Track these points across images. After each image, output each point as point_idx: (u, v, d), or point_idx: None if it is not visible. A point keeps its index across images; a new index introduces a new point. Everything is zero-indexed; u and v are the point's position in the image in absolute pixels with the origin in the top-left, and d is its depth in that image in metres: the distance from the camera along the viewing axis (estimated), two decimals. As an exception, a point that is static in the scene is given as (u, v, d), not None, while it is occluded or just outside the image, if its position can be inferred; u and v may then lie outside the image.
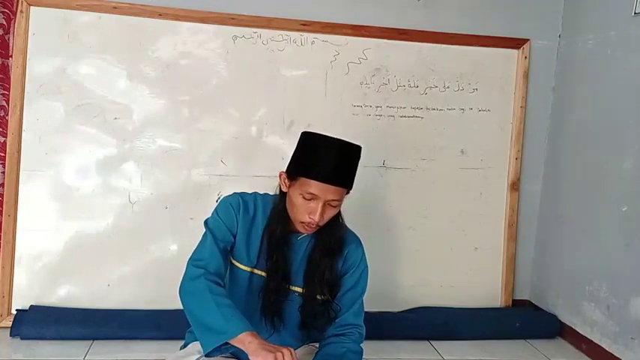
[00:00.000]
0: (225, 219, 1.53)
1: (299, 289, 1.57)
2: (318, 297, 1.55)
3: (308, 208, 1.43)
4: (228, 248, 1.55)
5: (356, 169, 1.51)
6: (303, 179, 1.43)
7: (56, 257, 2.46)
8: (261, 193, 1.62)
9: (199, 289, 1.44)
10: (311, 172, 1.42)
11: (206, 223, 1.56)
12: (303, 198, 1.43)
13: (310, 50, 2.61)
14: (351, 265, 1.59)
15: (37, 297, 2.44)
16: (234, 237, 1.54)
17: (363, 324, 1.62)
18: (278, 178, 1.53)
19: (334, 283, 1.55)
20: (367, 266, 1.63)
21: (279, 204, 1.53)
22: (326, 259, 1.53)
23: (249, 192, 1.62)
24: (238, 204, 1.54)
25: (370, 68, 2.66)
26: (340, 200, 1.46)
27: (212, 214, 1.57)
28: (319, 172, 1.41)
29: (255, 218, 1.55)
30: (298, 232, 1.55)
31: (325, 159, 1.42)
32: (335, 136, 1.48)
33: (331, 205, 1.45)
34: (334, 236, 1.54)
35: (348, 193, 1.51)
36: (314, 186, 1.41)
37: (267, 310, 1.54)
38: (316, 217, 1.42)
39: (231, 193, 1.59)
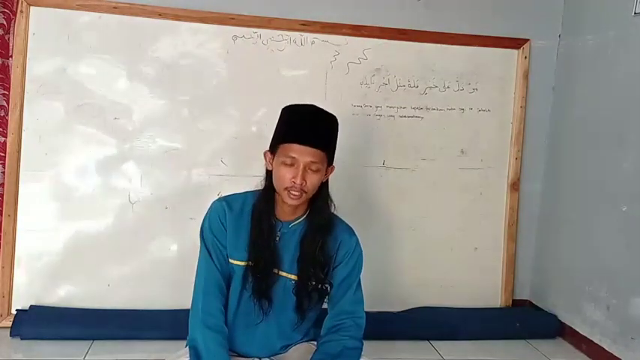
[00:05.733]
0: (214, 229, 1.59)
1: (294, 277, 1.59)
2: (312, 281, 1.58)
3: (290, 172, 1.49)
4: (225, 253, 1.59)
5: (333, 136, 1.58)
6: (282, 146, 1.51)
7: (56, 257, 2.46)
8: (252, 190, 1.65)
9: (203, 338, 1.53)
10: (288, 136, 1.51)
11: (201, 234, 1.62)
12: (285, 164, 1.49)
13: (310, 50, 2.60)
14: (345, 254, 1.62)
15: (37, 297, 2.44)
16: (226, 244, 1.58)
17: (362, 312, 1.63)
18: (263, 159, 1.59)
19: (325, 264, 1.58)
20: (362, 253, 1.66)
21: (265, 185, 1.59)
22: (317, 237, 1.57)
23: (241, 192, 1.65)
24: (223, 209, 1.59)
25: (370, 68, 2.66)
26: (320, 164, 1.51)
27: (203, 222, 1.62)
28: (296, 135, 1.50)
29: (242, 213, 1.60)
30: (290, 219, 1.59)
31: (301, 122, 1.53)
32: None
33: (312, 170, 1.50)
34: (323, 216, 1.59)
35: (331, 167, 1.57)
36: (292, 149, 1.49)
37: (254, 292, 1.57)
38: (298, 180, 1.48)
39: (217, 198, 1.64)
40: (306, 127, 1.51)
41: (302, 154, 1.48)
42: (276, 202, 1.58)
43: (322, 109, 1.56)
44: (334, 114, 1.60)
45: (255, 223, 1.57)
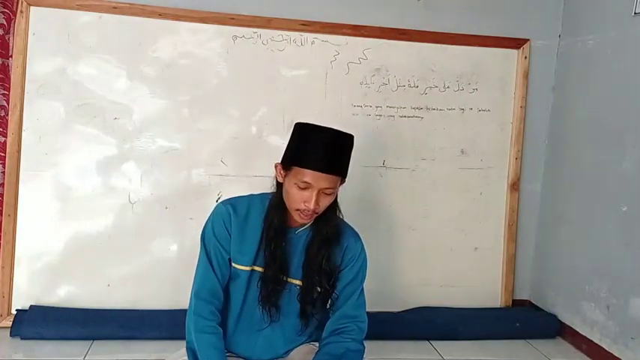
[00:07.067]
0: (218, 233, 1.56)
1: (299, 282, 1.58)
2: (318, 288, 1.56)
3: (303, 196, 1.46)
4: (226, 258, 1.57)
5: (349, 158, 1.53)
6: (297, 169, 1.46)
7: (56, 257, 2.46)
8: (257, 193, 1.63)
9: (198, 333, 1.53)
10: (304, 161, 1.45)
11: (202, 237, 1.59)
12: (298, 187, 1.46)
13: (310, 50, 2.61)
14: (351, 258, 1.61)
15: (37, 297, 2.44)
16: (229, 249, 1.56)
17: (364, 316, 1.62)
18: (274, 170, 1.55)
19: (332, 274, 1.57)
20: (366, 258, 1.64)
21: (275, 195, 1.56)
22: (323, 249, 1.55)
23: (245, 194, 1.64)
24: (228, 213, 1.56)
25: (370, 68, 2.66)
26: (334, 189, 1.48)
27: (206, 224, 1.59)
28: (312, 161, 1.44)
29: (248, 218, 1.57)
30: (296, 226, 1.57)
31: (318, 148, 1.45)
32: (327, 126, 1.50)
33: (325, 194, 1.47)
34: (330, 227, 1.56)
35: (342, 182, 1.54)
36: (308, 175, 1.44)
37: (264, 300, 1.55)
38: (311, 205, 1.45)
39: (222, 201, 1.61)
40: (323, 155, 1.44)
41: (317, 180, 1.44)
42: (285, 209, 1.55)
43: (340, 133, 1.49)
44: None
45: (268, 233, 1.54)
